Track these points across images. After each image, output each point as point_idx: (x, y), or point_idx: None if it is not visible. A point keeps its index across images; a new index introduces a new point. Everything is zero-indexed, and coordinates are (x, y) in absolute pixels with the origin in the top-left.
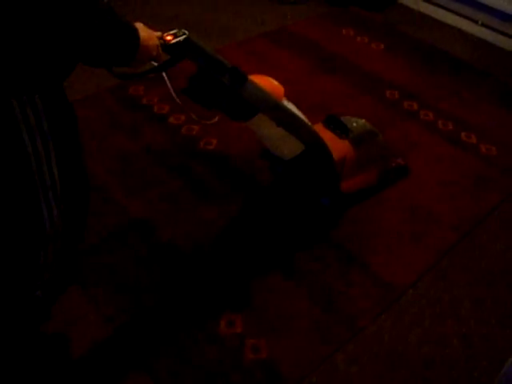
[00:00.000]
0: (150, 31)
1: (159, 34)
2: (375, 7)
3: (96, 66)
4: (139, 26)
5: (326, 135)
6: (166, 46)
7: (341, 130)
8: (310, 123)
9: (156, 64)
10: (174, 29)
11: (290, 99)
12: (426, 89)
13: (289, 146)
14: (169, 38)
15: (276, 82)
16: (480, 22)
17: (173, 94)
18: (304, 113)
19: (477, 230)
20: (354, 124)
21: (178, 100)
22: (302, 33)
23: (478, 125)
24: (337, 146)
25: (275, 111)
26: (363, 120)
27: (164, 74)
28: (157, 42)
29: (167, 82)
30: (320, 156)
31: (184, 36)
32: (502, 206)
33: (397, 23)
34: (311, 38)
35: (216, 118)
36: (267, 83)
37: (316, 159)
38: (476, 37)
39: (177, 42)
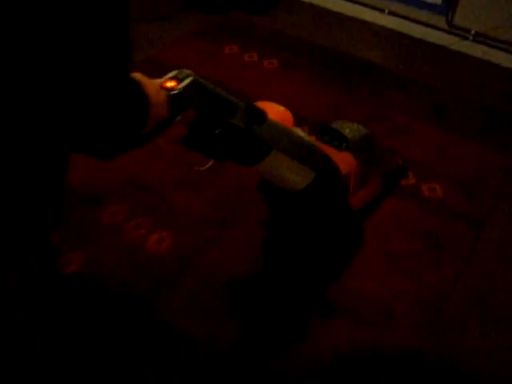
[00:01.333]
0: (152, 82)
1: (158, 81)
2: (258, 8)
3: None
4: (139, 77)
5: (325, 150)
6: (172, 96)
7: (339, 140)
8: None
9: None
10: (172, 71)
11: None
12: (342, 115)
13: (299, 177)
14: (171, 84)
15: (282, 108)
16: (387, 11)
17: (164, 147)
18: None
19: (442, 317)
20: (348, 130)
21: (169, 152)
22: (175, 59)
23: (414, 156)
24: (339, 160)
25: (292, 146)
26: (355, 123)
27: None
28: (164, 95)
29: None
30: (331, 180)
31: (190, 78)
32: (466, 271)
33: (289, 26)
34: (187, 65)
35: (210, 162)
36: (275, 112)
37: (328, 184)
38: (395, 31)
39: (184, 87)
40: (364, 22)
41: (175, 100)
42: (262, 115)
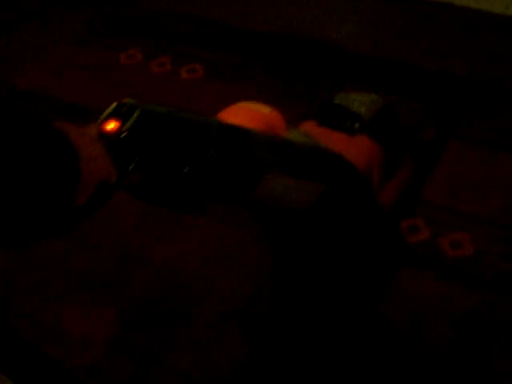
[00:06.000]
0: (79, 129)
1: (91, 127)
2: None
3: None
4: (58, 124)
5: (332, 137)
6: (115, 143)
7: (349, 120)
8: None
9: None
10: (110, 105)
11: None
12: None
13: (303, 195)
14: (111, 126)
15: (268, 110)
16: None
17: None
18: None
19: None
20: (357, 104)
21: None
22: (47, 84)
23: None
24: (355, 149)
25: (290, 160)
26: (364, 93)
27: None
28: (101, 145)
29: None
30: (347, 185)
31: (137, 112)
32: None
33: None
34: (68, 91)
35: None
36: (260, 117)
37: (344, 192)
38: None
39: (131, 127)
40: None
41: (122, 148)
42: (244, 136)
